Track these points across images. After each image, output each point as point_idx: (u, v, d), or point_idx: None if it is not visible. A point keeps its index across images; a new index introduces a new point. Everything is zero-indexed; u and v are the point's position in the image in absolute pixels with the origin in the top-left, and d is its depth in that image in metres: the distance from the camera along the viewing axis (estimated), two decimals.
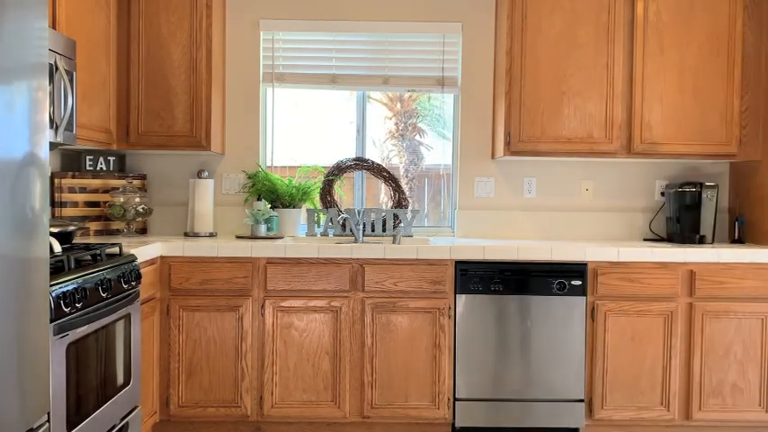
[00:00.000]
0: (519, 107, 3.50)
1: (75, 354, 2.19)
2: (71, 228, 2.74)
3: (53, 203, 3.37)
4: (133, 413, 2.71)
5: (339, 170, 3.88)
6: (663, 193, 3.83)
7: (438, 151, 4.12)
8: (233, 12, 3.80)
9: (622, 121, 3.52)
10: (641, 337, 3.25)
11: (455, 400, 3.25)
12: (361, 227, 3.68)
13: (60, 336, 2.07)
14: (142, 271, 2.84)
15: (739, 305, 3.25)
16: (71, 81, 2.65)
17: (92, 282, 2.31)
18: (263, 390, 3.22)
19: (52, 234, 2.46)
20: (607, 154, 3.55)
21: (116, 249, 2.73)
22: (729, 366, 3.27)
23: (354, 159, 3.90)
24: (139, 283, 2.75)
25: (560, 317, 3.24)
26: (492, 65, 3.83)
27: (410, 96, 4.14)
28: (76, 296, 2.16)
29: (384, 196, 4.07)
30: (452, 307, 3.24)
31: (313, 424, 3.28)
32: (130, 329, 2.68)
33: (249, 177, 3.79)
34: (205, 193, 3.64)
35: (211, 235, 3.64)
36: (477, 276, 3.23)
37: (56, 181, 3.39)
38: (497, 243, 3.36)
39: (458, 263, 3.23)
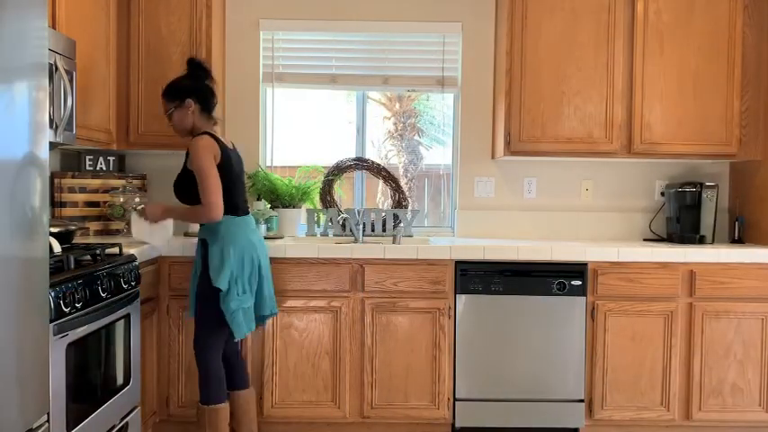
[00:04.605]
0: (519, 107, 3.50)
1: (75, 354, 2.19)
2: (71, 228, 2.74)
3: (53, 203, 3.37)
4: (133, 413, 2.71)
5: (339, 170, 3.88)
6: (663, 193, 3.83)
7: (436, 155, 4.13)
8: (233, 12, 3.80)
9: (622, 121, 3.52)
10: (641, 337, 3.25)
11: (455, 400, 3.25)
12: (361, 227, 3.68)
13: (60, 336, 2.07)
14: (142, 271, 2.84)
15: (739, 305, 3.25)
16: (71, 81, 2.65)
17: (92, 282, 2.30)
18: (263, 390, 3.22)
19: (52, 234, 2.46)
20: (607, 154, 3.55)
21: (116, 249, 2.73)
22: (729, 366, 3.27)
23: (354, 159, 3.90)
24: (139, 283, 2.75)
25: (560, 317, 3.24)
26: (492, 65, 3.83)
27: (409, 96, 4.14)
28: (76, 296, 2.16)
29: (383, 196, 4.07)
30: (452, 307, 3.23)
31: (313, 424, 3.28)
32: (130, 329, 2.68)
33: (249, 177, 3.79)
34: None
35: None
36: (477, 276, 3.23)
37: (56, 181, 3.39)
38: (497, 243, 3.35)
39: (458, 263, 3.23)
